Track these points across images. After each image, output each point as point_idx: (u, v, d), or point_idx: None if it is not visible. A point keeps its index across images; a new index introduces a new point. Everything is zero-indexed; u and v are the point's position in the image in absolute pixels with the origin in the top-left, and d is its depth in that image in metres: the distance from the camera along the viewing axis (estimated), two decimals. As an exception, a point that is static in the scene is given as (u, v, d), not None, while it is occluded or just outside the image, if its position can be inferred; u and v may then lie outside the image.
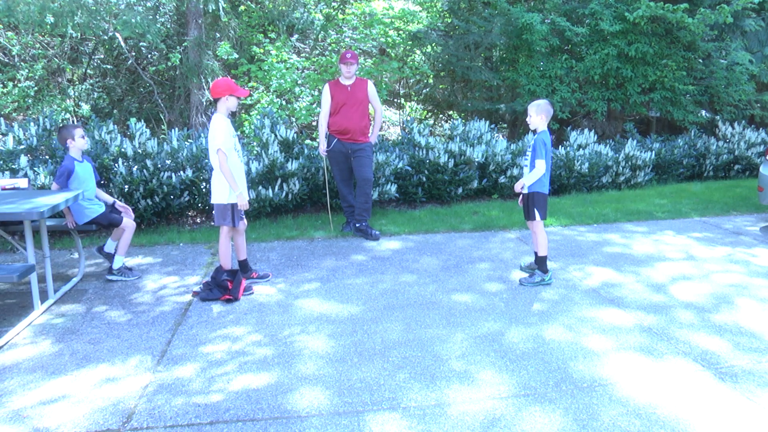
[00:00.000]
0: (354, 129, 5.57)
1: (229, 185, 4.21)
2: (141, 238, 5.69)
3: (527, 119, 4.50)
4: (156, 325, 3.83)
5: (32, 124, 5.80)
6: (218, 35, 8.91)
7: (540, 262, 4.54)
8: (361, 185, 5.72)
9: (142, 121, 6.56)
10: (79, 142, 4.57)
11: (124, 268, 4.63)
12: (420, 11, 9.83)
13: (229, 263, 4.37)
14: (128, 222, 4.66)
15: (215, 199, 4.29)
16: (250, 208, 6.19)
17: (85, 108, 8.99)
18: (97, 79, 9.84)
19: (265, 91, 8.08)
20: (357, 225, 5.83)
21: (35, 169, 5.40)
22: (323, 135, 5.70)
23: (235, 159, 4.28)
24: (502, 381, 3.13)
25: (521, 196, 4.58)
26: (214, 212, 4.37)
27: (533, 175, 4.38)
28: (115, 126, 6.18)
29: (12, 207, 3.78)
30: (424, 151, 7.05)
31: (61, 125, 5.29)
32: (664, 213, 6.82)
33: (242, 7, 9.09)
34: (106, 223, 4.61)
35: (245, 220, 4.58)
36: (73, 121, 8.49)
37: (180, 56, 8.15)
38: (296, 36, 9.58)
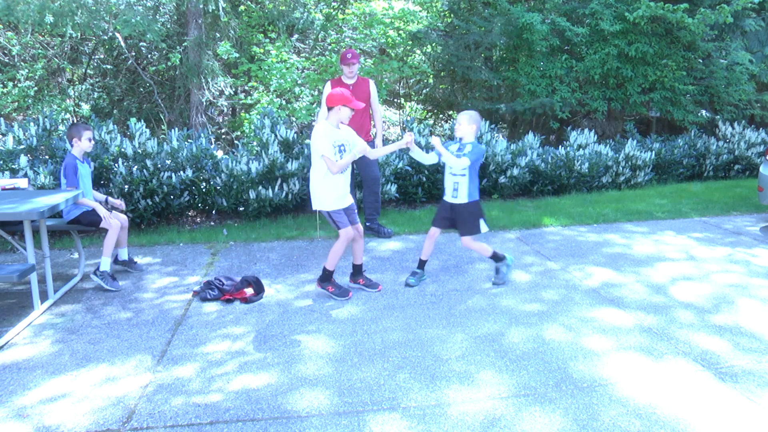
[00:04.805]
0: (356, 128, 5.54)
1: (329, 193, 4.13)
2: (141, 238, 5.69)
3: (456, 126, 4.34)
4: (156, 325, 3.83)
5: (32, 124, 5.80)
6: (218, 35, 8.90)
7: (493, 257, 4.52)
8: (369, 184, 5.73)
9: (142, 121, 6.55)
10: (84, 144, 4.56)
11: (108, 274, 4.44)
12: (420, 11, 9.82)
13: (334, 266, 4.26)
14: (108, 223, 4.43)
15: (321, 206, 4.19)
16: (250, 208, 6.19)
17: (85, 108, 8.99)
18: (97, 79, 9.84)
19: (265, 91, 8.08)
20: (368, 224, 5.87)
21: (35, 169, 5.40)
22: None
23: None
24: (502, 381, 3.13)
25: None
26: (327, 217, 4.24)
27: (454, 160, 4.22)
28: (115, 126, 6.18)
29: (12, 207, 3.78)
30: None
31: (73, 123, 5.26)
32: (664, 213, 6.82)
33: (242, 7, 9.08)
34: (86, 223, 4.52)
35: (360, 225, 4.35)
36: (73, 121, 8.49)
37: (180, 56, 8.14)
38: (296, 36, 9.57)
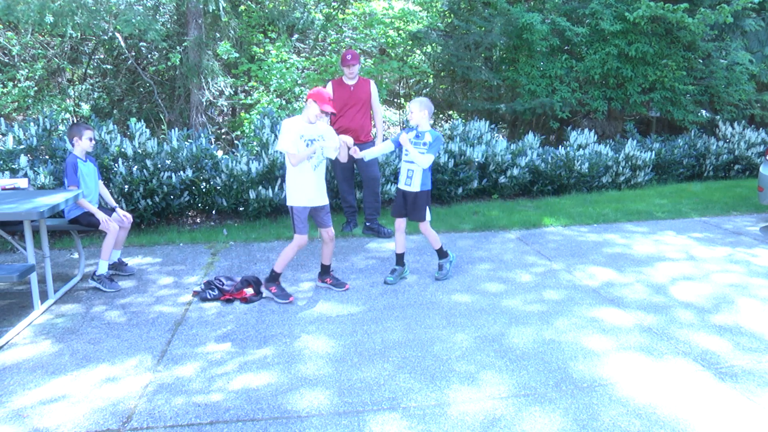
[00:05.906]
0: (357, 129, 5.58)
1: (294, 188, 4.12)
2: (141, 238, 5.69)
3: (409, 115, 4.43)
4: (156, 325, 3.83)
5: (32, 124, 5.80)
6: (218, 35, 8.90)
7: (439, 252, 4.64)
8: (369, 184, 5.74)
9: (142, 121, 6.55)
10: (84, 143, 4.56)
11: (105, 276, 4.43)
12: (420, 11, 9.82)
13: (282, 268, 4.24)
14: (106, 225, 4.41)
15: (289, 200, 4.20)
16: (250, 208, 6.19)
17: (85, 108, 8.98)
18: (97, 79, 9.83)
19: (265, 91, 8.08)
20: (368, 224, 5.88)
21: (35, 169, 5.40)
22: None
23: (305, 164, 4.12)
24: (502, 381, 3.13)
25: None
26: (291, 214, 4.27)
27: (421, 158, 4.32)
28: (115, 126, 6.18)
29: (12, 207, 3.78)
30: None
31: (74, 122, 5.24)
32: (664, 213, 6.82)
33: (242, 7, 9.08)
34: (86, 224, 4.50)
35: (332, 229, 4.35)
36: (73, 121, 8.49)
37: (180, 56, 8.14)
38: (296, 36, 9.57)
